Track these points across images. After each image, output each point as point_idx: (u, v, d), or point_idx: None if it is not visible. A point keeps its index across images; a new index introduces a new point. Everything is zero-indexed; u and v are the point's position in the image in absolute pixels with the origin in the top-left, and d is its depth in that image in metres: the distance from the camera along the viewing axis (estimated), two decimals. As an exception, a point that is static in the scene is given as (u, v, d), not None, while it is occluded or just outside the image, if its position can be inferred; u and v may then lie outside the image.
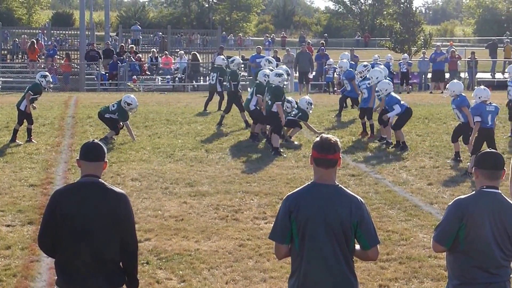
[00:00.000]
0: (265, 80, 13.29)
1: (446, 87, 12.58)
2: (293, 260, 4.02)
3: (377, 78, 13.33)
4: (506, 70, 14.12)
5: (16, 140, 13.01)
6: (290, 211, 3.96)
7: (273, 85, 12.42)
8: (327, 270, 3.92)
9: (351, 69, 16.35)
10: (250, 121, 14.11)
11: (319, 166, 3.97)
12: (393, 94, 12.99)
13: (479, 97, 10.82)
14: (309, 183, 4.04)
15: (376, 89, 13.20)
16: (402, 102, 12.87)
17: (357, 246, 4.00)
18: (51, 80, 13.90)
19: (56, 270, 4.19)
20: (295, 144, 13.03)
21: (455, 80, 13.36)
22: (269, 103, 12.45)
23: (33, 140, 13.12)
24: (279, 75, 12.50)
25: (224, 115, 15.26)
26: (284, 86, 12.94)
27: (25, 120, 13.18)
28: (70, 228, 4.06)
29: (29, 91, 13.22)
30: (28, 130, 13.20)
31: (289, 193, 4.10)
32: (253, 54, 24.20)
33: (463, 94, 11.65)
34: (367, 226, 3.94)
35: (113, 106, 13.31)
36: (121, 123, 13.26)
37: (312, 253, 3.93)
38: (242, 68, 19.93)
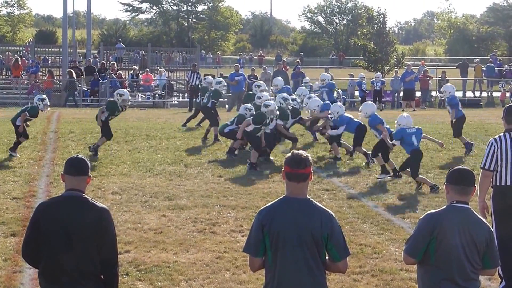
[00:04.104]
0: (246, 114, 13.76)
1: (360, 108, 12.86)
2: (266, 272, 4.10)
3: (337, 112, 13.35)
4: (441, 89, 14.51)
5: (16, 153, 13.14)
6: (263, 224, 4.04)
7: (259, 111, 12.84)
8: (299, 282, 3.99)
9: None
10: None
11: (291, 180, 4.06)
12: (345, 114, 13.20)
13: (399, 124, 11.13)
14: (281, 197, 4.13)
15: (329, 111, 13.42)
16: (355, 120, 13.04)
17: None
18: (48, 103, 13.94)
19: (39, 281, 4.27)
20: (272, 159, 13.24)
21: (369, 102, 13.63)
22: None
23: (17, 154, 13.19)
24: (267, 105, 12.81)
25: (215, 130, 15.46)
26: (272, 117, 12.96)
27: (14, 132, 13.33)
28: (52, 241, 4.13)
29: (26, 112, 13.35)
30: (17, 143, 13.27)
31: (262, 207, 4.19)
32: (232, 72, 24.69)
33: (375, 113, 12.12)
34: (337, 239, 4.02)
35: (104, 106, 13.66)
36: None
37: (285, 265, 4.00)
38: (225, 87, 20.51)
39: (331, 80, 19.25)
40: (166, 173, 11.95)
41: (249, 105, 14.41)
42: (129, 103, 14.44)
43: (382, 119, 12.18)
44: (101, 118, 13.52)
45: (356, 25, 65.54)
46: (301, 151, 4.16)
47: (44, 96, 14.45)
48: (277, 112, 13.09)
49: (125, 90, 14.59)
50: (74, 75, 27.73)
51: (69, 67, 29.11)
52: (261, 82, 17.89)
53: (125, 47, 40.11)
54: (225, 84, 17.09)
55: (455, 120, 14.12)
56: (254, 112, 13.93)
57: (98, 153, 13.44)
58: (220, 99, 16.17)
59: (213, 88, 16.16)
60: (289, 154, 4.16)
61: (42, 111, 13.77)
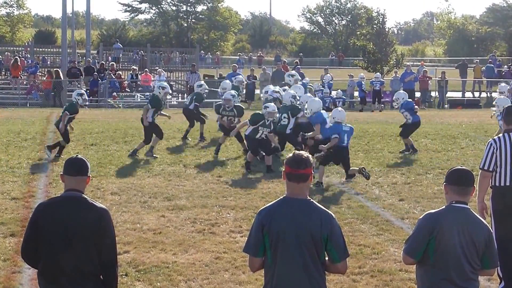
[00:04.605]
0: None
1: (305, 106, 12.88)
2: (265, 272, 4.11)
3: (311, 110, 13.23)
4: (393, 98, 14.59)
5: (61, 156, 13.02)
6: (263, 224, 4.05)
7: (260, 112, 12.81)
8: (298, 282, 4.00)
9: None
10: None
11: (291, 180, 4.08)
12: (322, 113, 12.91)
13: (333, 118, 11.41)
14: (281, 197, 4.14)
15: (306, 106, 13.37)
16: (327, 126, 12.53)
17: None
18: (87, 97, 13.74)
19: (39, 281, 4.28)
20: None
21: (316, 98, 13.47)
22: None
23: (61, 156, 13.07)
24: (266, 107, 12.70)
25: (190, 130, 15.70)
26: (272, 119, 12.63)
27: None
28: (52, 241, 4.15)
29: (66, 111, 13.22)
30: (61, 148, 13.16)
31: (262, 208, 4.20)
32: (229, 73, 24.74)
33: (321, 111, 12.23)
34: (337, 240, 4.03)
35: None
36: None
37: (284, 266, 4.01)
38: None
39: (330, 81, 19.29)
40: (165, 173, 11.95)
41: (233, 91, 14.47)
42: (169, 96, 14.33)
43: (324, 119, 12.00)
44: (149, 120, 13.27)
45: (355, 26, 65.66)
46: (302, 152, 4.19)
47: (83, 91, 14.21)
48: (277, 115, 13.00)
49: (164, 83, 14.20)
50: (61, 75, 27.76)
51: (68, 67, 29.15)
52: (293, 71, 17.92)
53: (122, 47, 40.08)
54: (206, 87, 16.92)
55: (409, 123, 14.10)
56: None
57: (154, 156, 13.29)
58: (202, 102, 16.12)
59: (195, 91, 16.30)
60: (290, 155, 4.17)
61: (82, 106, 13.59)
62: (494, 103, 13.42)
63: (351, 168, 11.37)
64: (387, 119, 20.22)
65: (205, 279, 6.84)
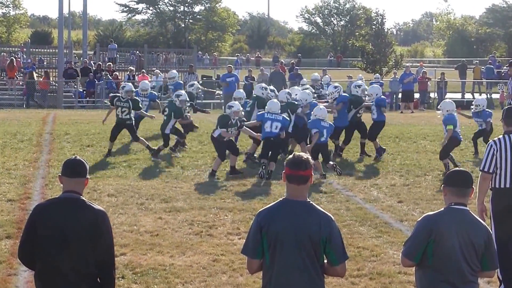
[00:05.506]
0: (262, 94, 13.70)
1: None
2: (264, 274, 4.10)
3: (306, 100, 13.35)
4: (367, 93, 14.41)
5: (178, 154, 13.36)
6: (261, 226, 4.04)
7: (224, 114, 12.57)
8: (297, 284, 3.99)
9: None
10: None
11: (291, 182, 4.06)
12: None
13: (315, 115, 11.97)
14: (281, 199, 4.14)
15: (297, 98, 13.43)
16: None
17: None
18: (186, 98, 13.63)
19: (35, 283, 4.26)
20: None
21: (274, 100, 13.48)
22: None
23: (178, 154, 13.41)
24: (230, 107, 12.41)
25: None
26: (237, 117, 12.27)
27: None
28: (49, 243, 4.14)
29: (173, 118, 13.42)
30: (158, 150, 13.31)
31: (261, 209, 4.20)
32: (224, 73, 24.68)
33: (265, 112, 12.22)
34: (336, 242, 4.02)
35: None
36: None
37: (282, 268, 4.00)
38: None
39: (330, 82, 19.25)
40: (163, 175, 11.91)
41: (263, 84, 14.45)
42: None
43: (261, 120, 12.00)
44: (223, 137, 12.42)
45: (354, 26, 65.79)
46: (302, 153, 4.17)
47: (182, 91, 14.10)
48: (243, 113, 12.69)
49: (235, 102, 13.18)
50: (35, 75, 27.70)
51: (65, 68, 29.12)
52: (360, 82, 17.57)
53: (117, 48, 40.02)
54: (199, 86, 16.78)
55: (374, 120, 13.96)
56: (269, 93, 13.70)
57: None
58: (192, 101, 15.70)
59: (187, 91, 16.22)
60: (290, 156, 4.16)
61: (180, 107, 13.57)
62: (439, 106, 13.36)
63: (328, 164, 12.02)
64: (385, 120, 20.12)
65: (203, 281, 6.81)
